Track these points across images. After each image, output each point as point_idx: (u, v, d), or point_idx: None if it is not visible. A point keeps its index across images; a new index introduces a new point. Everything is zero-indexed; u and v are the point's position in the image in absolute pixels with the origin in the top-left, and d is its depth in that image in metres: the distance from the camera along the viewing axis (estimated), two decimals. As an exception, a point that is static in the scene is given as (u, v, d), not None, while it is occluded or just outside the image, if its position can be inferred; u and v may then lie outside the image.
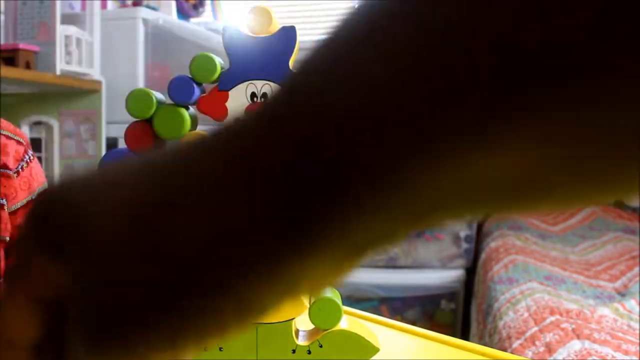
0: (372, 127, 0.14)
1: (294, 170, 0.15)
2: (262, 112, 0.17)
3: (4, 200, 0.68)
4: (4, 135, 0.70)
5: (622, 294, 1.43)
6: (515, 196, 0.15)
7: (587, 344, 1.12)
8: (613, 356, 1.08)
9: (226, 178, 0.16)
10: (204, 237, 0.16)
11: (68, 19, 1.57)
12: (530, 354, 1.14)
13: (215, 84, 0.49)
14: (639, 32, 0.12)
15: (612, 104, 0.12)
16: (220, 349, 0.44)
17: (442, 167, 0.14)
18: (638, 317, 1.27)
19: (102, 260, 0.17)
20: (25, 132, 1.58)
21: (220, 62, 0.49)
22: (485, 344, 0.53)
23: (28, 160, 0.72)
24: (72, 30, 1.53)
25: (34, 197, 0.71)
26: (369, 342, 0.44)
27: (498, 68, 0.13)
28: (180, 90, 0.47)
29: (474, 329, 1.67)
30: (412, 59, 0.14)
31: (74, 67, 1.53)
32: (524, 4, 0.12)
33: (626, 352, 1.10)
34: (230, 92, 0.49)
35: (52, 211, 0.19)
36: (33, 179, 0.72)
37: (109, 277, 0.17)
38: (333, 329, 0.44)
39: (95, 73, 1.60)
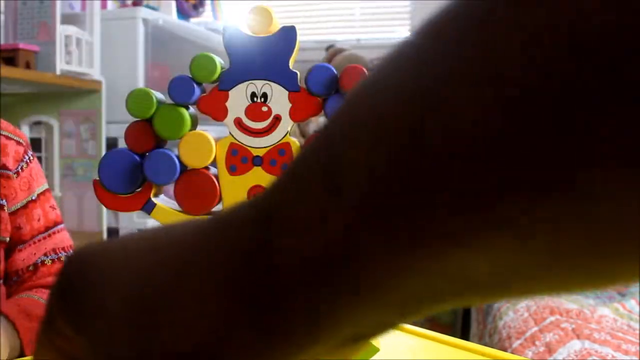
0: (355, 234, 0.15)
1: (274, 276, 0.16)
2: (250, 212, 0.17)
3: (4, 200, 0.68)
4: (4, 135, 0.70)
5: (622, 293, 1.43)
6: (498, 289, 0.15)
7: (587, 344, 1.12)
8: (613, 356, 1.08)
9: (216, 275, 0.17)
10: (195, 340, 0.17)
11: (68, 19, 1.57)
12: (530, 354, 1.14)
13: (216, 84, 0.49)
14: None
15: (591, 200, 0.12)
16: None
17: (428, 268, 0.14)
18: (638, 317, 1.27)
19: (106, 342, 0.18)
20: (25, 132, 1.58)
21: (220, 62, 0.49)
22: (485, 344, 0.53)
23: (28, 161, 0.72)
24: (72, 30, 1.53)
25: (33, 198, 0.71)
26: (369, 341, 0.44)
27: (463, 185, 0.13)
28: (180, 90, 0.47)
29: (474, 329, 1.67)
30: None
31: (74, 67, 1.53)
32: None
33: (626, 352, 1.10)
34: (230, 92, 0.49)
35: (75, 278, 0.20)
36: (33, 180, 0.72)
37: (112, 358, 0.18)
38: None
39: (95, 73, 1.60)
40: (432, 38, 0.14)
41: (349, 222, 0.15)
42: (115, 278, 0.18)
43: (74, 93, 1.60)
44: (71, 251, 0.21)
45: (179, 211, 0.50)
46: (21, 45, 1.42)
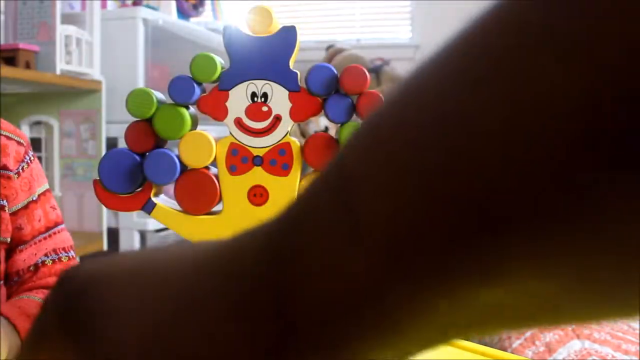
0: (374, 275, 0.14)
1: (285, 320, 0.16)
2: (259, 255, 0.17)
3: (5, 201, 0.68)
4: (4, 136, 0.70)
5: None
6: (524, 320, 0.15)
7: (587, 343, 1.12)
8: (613, 356, 1.08)
9: (231, 321, 0.17)
10: None
11: (68, 19, 1.57)
12: (530, 353, 1.14)
13: (216, 84, 0.49)
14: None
15: (614, 228, 0.12)
16: None
17: (454, 305, 0.14)
18: (638, 317, 1.26)
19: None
20: (25, 132, 1.58)
21: (220, 62, 0.49)
22: (485, 344, 0.53)
23: (28, 161, 0.72)
24: (72, 30, 1.53)
25: (34, 199, 0.71)
26: None
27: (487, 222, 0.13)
28: (180, 90, 0.47)
29: (474, 328, 1.67)
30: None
31: (74, 67, 1.53)
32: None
33: (626, 352, 1.10)
34: (230, 92, 0.49)
35: (78, 300, 0.19)
36: (34, 180, 0.72)
37: None
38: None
39: (95, 73, 1.60)
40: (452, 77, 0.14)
41: (371, 265, 0.14)
42: (124, 307, 0.18)
43: (74, 93, 1.60)
44: (69, 267, 0.20)
45: (179, 211, 0.50)
46: (21, 45, 1.42)
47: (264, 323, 0.16)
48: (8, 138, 0.70)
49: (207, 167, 0.50)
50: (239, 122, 0.49)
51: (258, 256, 0.17)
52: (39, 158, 1.56)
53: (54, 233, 0.73)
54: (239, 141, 0.49)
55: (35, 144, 1.59)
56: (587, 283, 0.13)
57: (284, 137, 0.49)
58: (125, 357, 0.17)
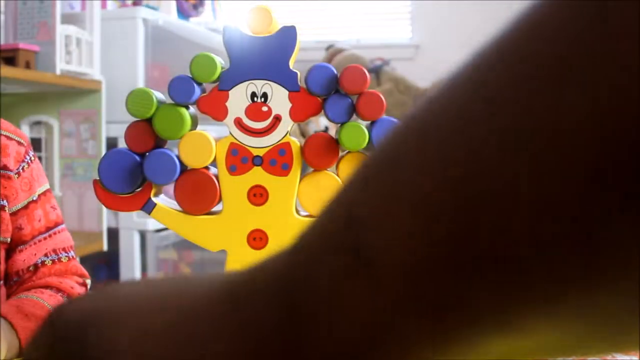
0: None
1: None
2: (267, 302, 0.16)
3: (5, 201, 0.68)
4: (5, 136, 0.70)
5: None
6: (542, 356, 0.15)
7: (587, 343, 1.12)
8: (613, 356, 1.08)
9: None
10: None
11: (68, 19, 1.57)
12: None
13: (216, 84, 0.49)
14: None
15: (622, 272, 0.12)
16: None
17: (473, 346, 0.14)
18: None
19: None
20: (25, 132, 1.58)
21: (220, 62, 0.49)
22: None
23: (29, 161, 0.72)
24: (72, 30, 1.53)
25: (34, 199, 0.71)
26: None
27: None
28: (180, 90, 0.47)
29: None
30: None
31: (74, 67, 1.53)
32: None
33: (626, 352, 1.10)
34: (230, 92, 0.49)
35: (72, 329, 0.19)
36: (34, 180, 0.72)
37: None
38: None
39: (95, 73, 1.60)
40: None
41: (388, 309, 0.14)
42: (132, 348, 0.18)
43: (74, 93, 1.59)
44: (61, 304, 0.20)
45: (179, 211, 0.50)
46: (21, 45, 1.42)
47: None
48: (8, 138, 0.70)
49: (207, 167, 0.50)
50: (238, 122, 0.49)
51: (270, 303, 0.16)
52: (39, 158, 1.56)
53: (54, 233, 0.73)
54: (238, 141, 0.49)
55: (35, 144, 1.59)
56: (610, 325, 0.13)
57: (283, 137, 0.49)
58: None
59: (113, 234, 1.64)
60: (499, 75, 0.13)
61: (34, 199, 0.71)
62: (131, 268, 1.64)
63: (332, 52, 2.36)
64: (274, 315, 0.16)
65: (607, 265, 0.12)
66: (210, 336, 0.17)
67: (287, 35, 0.48)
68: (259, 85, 0.49)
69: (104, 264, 1.77)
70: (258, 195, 0.49)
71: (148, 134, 0.48)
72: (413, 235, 0.14)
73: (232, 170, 0.49)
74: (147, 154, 0.48)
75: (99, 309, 0.19)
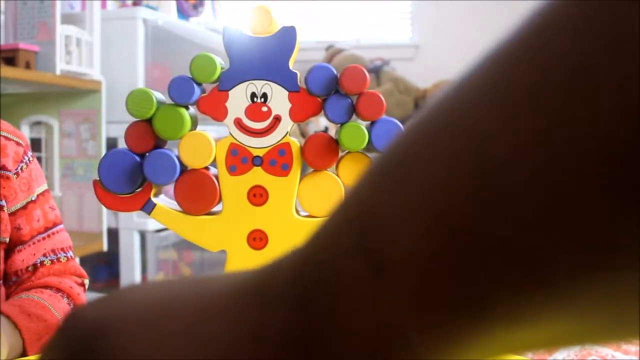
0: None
1: None
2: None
3: (4, 201, 0.68)
4: (3, 136, 0.70)
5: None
6: (552, 346, 0.15)
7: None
8: (613, 356, 1.08)
9: None
10: None
11: (68, 19, 1.57)
12: (530, 353, 1.14)
13: (216, 84, 0.49)
14: None
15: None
16: None
17: (488, 340, 0.14)
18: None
19: None
20: (25, 132, 1.58)
21: (220, 62, 0.49)
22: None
23: (27, 162, 0.72)
24: (72, 30, 1.53)
25: (33, 199, 0.71)
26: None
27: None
28: (180, 90, 0.47)
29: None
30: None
31: (74, 67, 1.53)
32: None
33: (626, 352, 1.10)
34: (230, 92, 0.49)
35: (87, 336, 0.19)
36: (32, 180, 0.72)
37: None
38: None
39: (95, 73, 1.60)
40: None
41: (399, 304, 0.14)
42: (140, 354, 0.18)
43: (74, 93, 1.59)
44: (76, 309, 0.19)
45: (179, 211, 0.50)
46: (21, 45, 1.42)
47: None
48: (7, 138, 0.70)
49: (206, 168, 0.50)
50: (238, 123, 0.49)
51: (281, 307, 0.16)
52: (39, 158, 1.56)
53: (53, 233, 0.73)
54: (238, 141, 0.49)
55: (35, 144, 1.59)
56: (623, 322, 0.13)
57: (283, 137, 0.49)
58: None
59: (113, 234, 1.64)
60: (509, 78, 0.13)
61: (33, 199, 0.71)
62: (131, 268, 1.64)
63: (332, 52, 2.36)
64: (286, 317, 0.16)
65: (629, 250, 0.12)
66: (226, 338, 0.17)
67: (287, 36, 0.48)
68: (259, 86, 0.49)
69: (104, 264, 1.77)
70: (258, 196, 0.49)
71: (148, 134, 0.48)
72: (423, 237, 0.14)
73: (232, 170, 0.49)
74: (147, 154, 0.48)
75: (111, 316, 0.19)
